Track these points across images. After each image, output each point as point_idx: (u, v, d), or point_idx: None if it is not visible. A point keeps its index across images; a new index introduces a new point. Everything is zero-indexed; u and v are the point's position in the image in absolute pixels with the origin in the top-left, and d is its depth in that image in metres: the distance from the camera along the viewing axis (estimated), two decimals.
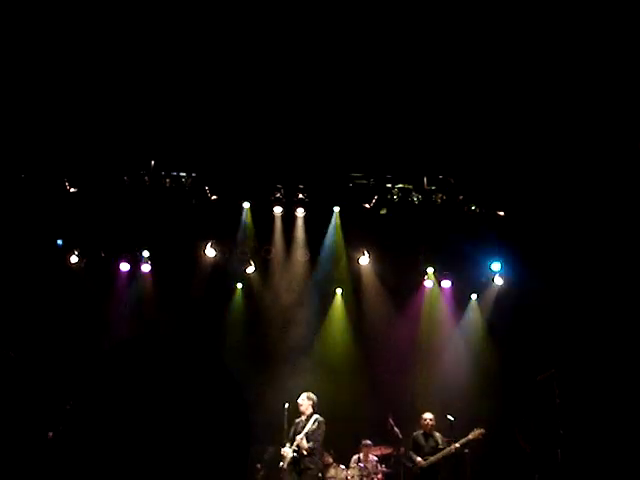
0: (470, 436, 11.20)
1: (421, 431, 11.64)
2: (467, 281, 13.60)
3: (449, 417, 11.45)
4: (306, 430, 10.44)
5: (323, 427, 10.53)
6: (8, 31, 10.01)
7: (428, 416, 11.65)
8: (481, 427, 11.26)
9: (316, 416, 10.65)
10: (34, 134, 11.72)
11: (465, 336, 13.58)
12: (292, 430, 10.68)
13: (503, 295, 13.29)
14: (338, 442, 11.73)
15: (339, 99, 11.25)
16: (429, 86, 11.01)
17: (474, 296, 13.69)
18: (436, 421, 11.67)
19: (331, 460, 11.99)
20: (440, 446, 11.37)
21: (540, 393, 11.53)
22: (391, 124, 11.62)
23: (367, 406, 12.88)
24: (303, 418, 10.70)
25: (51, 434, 11.21)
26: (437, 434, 11.57)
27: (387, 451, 12.24)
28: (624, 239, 11.93)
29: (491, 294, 13.47)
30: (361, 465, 11.86)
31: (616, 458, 11.40)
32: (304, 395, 10.85)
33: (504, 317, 13.17)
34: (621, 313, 12.00)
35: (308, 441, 10.37)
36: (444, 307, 13.68)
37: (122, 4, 9.85)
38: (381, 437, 12.21)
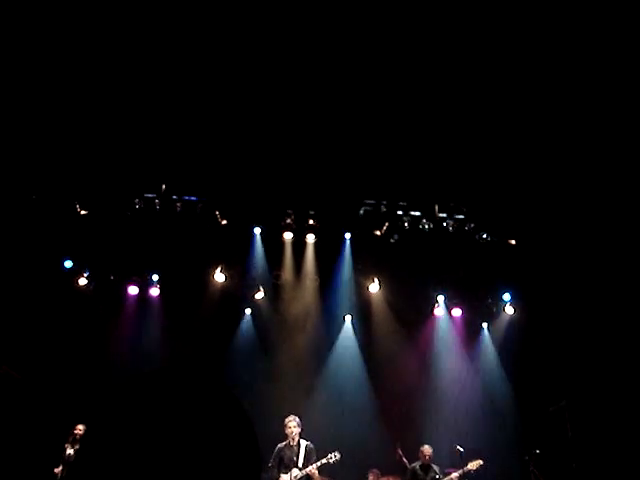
0: (468, 466, 11.01)
1: (419, 463, 11.48)
2: (478, 310, 13.51)
3: (459, 448, 11.28)
4: (307, 458, 10.27)
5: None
6: (24, 52, 10.07)
7: (427, 448, 11.48)
8: (479, 458, 11.08)
9: (307, 442, 10.48)
10: (46, 156, 11.75)
11: (476, 365, 13.44)
12: (277, 456, 10.43)
13: (514, 324, 13.18)
14: (346, 470, 11.53)
15: (351, 126, 11.27)
16: (442, 115, 11.03)
17: (485, 325, 13.58)
18: (445, 451, 11.52)
19: None
20: (438, 476, 11.19)
21: (552, 424, 11.38)
22: (403, 152, 11.62)
23: (376, 435, 12.71)
24: (294, 443, 10.47)
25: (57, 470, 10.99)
26: (435, 466, 11.40)
27: None
28: (638, 268, 11.86)
29: (502, 323, 13.36)
30: None
31: None
32: (296, 419, 10.66)
33: (515, 346, 13.06)
34: (634, 343, 11.89)
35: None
36: (454, 336, 13.57)
37: (143, 32, 9.92)
38: (389, 467, 12.01)
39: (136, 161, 12.06)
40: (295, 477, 10.25)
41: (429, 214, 12.81)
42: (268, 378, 13.00)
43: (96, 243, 12.74)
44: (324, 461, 10.30)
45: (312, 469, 10.20)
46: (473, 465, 10.99)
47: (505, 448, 11.84)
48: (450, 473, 11.09)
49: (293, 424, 10.57)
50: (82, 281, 12.89)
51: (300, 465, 10.35)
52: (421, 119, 11.16)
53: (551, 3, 9.20)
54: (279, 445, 10.54)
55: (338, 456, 10.40)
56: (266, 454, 10.50)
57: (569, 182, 11.69)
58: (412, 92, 10.75)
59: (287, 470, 10.32)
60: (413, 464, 11.51)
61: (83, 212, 12.64)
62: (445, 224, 12.72)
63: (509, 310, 13.13)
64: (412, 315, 13.51)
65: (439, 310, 13.50)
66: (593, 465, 11.30)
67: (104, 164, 12.05)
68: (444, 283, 13.25)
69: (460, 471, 10.98)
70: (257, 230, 13.11)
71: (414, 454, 11.75)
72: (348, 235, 13.20)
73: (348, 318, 13.80)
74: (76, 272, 12.86)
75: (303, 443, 10.49)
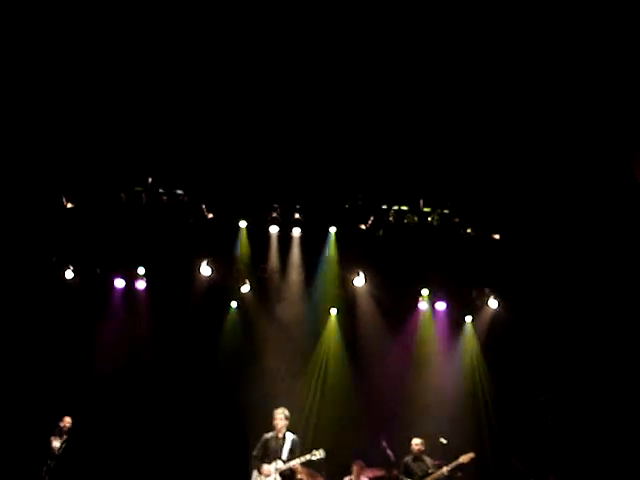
0: (460, 459, 11.15)
1: (411, 456, 11.61)
2: (462, 304, 13.60)
3: (442, 440, 11.41)
4: (292, 451, 10.40)
5: None
6: (8, 47, 10.06)
7: (417, 441, 11.62)
8: (471, 451, 11.22)
9: (293, 436, 10.60)
10: (32, 149, 11.74)
11: (459, 358, 13.55)
12: (263, 446, 10.53)
13: (498, 318, 13.29)
14: (330, 463, 11.65)
15: (337, 120, 11.31)
16: (427, 110, 11.08)
17: (469, 318, 13.68)
18: (429, 444, 11.65)
19: None
20: (430, 470, 11.34)
21: (535, 416, 11.52)
22: (389, 146, 11.68)
23: (360, 427, 12.81)
24: (279, 435, 10.58)
25: None
26: (427, 458, 11.53)
27: (379, 473, 12.12)
28: (619, 261, 11.96)
29: (486, 317, 13.47)
30: None
31: None
32: (284, 411, 10.77)
33: (498, 340, 13.17)
34: (616, 336, 12.01)
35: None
36: (438, 329, 13.66)
37: (119, 26, 9.91)
38: (373, 459, 12.11)
39: (123, 154, 12.07)
40: (278, 469, 10.38)
41: (414, 208, 12.90)
42: (253, 370, 13.07)
43: (82, 236, 12.76)
44: (308, 457, 10.44)
45: (296, 464, 10.34)
46: (465, 458, 11.13)
47: (487, 439, 11.97)
48: (442, 465, 11.23)
49: (281, 416, 10.70)
50: (68, 274, 12.91)
51: (284, 458, 10.47)
52: (407, 114, 11.21)
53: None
54: (265, 435, 10.67)
55: (323, 454, 10.53)
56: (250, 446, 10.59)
57: (554, 176, 11.77)
58: (396, 87, 10.80)
59: (270, 461, 10.44)
60: (405, 458, 11.64)
61: (69, 205, 12.64)
62: (430, 218, 12.80)
63: (493, 304, 13.23)
64: (397, 308, 13.59)
65: (423, 303, 13.59)
66: (573, 458, 11.45)
67: (91, 157, 12.06)
68: (428, 277, 13.33)
69: (453, 464, 11.14)
70: (243, 224, 13.16)
71: (398, 446, 11.88)
72: (333, 229, 13.27)
73: (333, 311, 13.92)
74: (62, 265, 12.88)
75: (289, 436, 10.61)
